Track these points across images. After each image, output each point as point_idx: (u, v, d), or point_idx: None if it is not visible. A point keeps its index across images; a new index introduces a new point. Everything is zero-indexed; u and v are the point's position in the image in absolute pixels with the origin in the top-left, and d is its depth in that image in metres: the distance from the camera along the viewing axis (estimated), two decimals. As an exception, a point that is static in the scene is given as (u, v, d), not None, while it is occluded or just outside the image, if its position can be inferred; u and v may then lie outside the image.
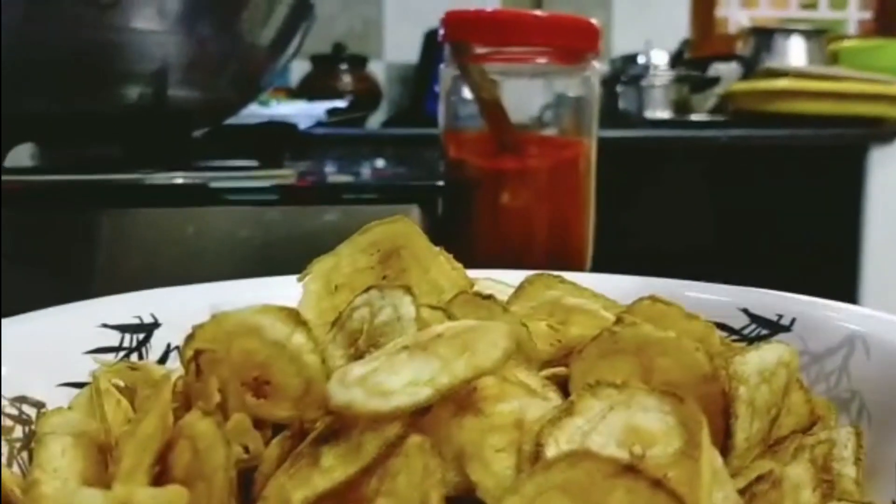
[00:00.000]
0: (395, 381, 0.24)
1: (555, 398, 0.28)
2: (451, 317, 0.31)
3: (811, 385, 0.37)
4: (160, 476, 0.26)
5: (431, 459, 0.23)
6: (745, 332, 0.41)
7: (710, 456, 0.23)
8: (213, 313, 0.44)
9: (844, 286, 1.56)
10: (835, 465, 0.31)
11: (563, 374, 0.30)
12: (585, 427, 0.26)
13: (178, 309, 0.43)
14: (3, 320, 0.37)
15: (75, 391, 0.36)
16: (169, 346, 0.41)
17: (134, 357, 0.39)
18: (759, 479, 0.26)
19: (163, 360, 0.40)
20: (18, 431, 0.32)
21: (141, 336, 0.40)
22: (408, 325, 0.29)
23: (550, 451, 0.25)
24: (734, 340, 0.41)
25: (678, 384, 0.28)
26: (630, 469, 0.21)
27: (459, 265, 0.35)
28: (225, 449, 0.24)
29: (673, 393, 0.26)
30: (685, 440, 0.24)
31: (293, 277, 0.47)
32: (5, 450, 0.30)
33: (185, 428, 0.25)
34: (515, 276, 0.47)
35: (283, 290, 0.46)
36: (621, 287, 0.47)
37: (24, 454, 0.31)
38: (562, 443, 0.25)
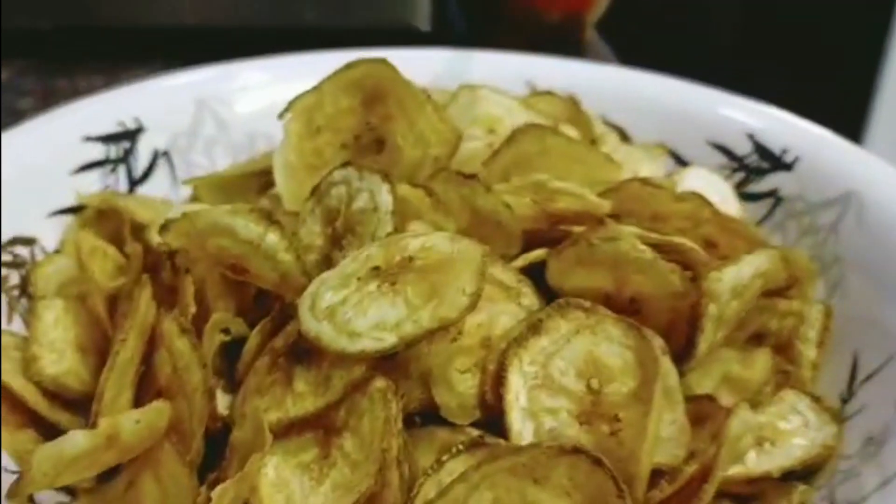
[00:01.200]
0: (363, 322, 0.25)
1: (528, 294, 0.28)
2: (431, 195, 0.30)
3: (799, 236, 0.37)
4: (146, 377, 0.27)
5: (394, 407, 0.24)
6: (747, 161, 0.40)
7: (658, 415, 0.24)
8: (195, 104, 0.43)
9: (863, 86, 1.36)
10: (798, 343, 0.33)
11: (541, 257, 0.30)
12: (550, 349, 0.26)
13: (162, 109, 0.41)
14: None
15: (66, 219, 0.36)
16: (156, 152, 0.40)
17: (121, 169, 0.39)
18: (704, 402, 0.27)
19: (149, 169, 0.40)
20: (15, 277, 0.33)
21: (127, 145, 0.40)
22: (384, 219, 0.28)
23: (513, 374, 0.26)
24: (734, 170, 0.40)
25: (649, 297, 0.28)
26: (573, 450, 0.22)
27: (447, 116, 0.33)
28: (200, 372, 0.26)
29: (636, 326, 0.26)
30: (640, 382, 0.25)
31: (274, 59, 0.45)
32: (5, 306, 0.32)
33: (165, 338, 0.27)
34: (522, 68, 0.45)
35: (261, 74, 0.44)
36: (627, 85, 0.45)
37: (24, 301, 0.33)
38: (525, 364, 0.26)
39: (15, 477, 0.25)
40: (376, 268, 0.26)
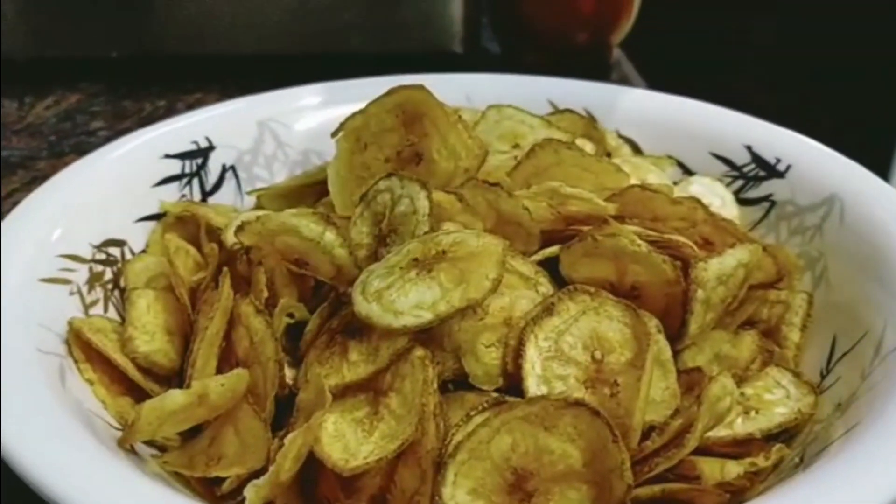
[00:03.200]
0: (405, 302, 0.30)
1: (544, 283, 0.34)
2: (462, 200, 0.35)
3: (790, 235, 0.41)
4: (225, 351, 0.33)
5: (431, 371, 0.29)
6: (746, 170, 0.45)
7: (650, 378, 0.29)
8: (257, 125, 0.48)
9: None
10: (784, 328, 0.37)
11: (555, 253, 0.35)
12: (561, 327, 0.31)
13: (228, 129, 0.47)
14: (80, 160, 0.42)
15: (151, 224, 0.42)
16: (224, 167, 0.46)
17: (195, 182, 0.45)
18: (695, 373, 0.32)
19: (219, 182, 0.46)
20: (108, 273, 0.39)
21: (199, 161, 0.46)
22: (422, 220, 0.33)
23: (530, 348, 0.31)
24: (734, 178, 0.45)
25: (646, 284, 0.33)
26: (576, 403, 0.27)
27: (475, 133, 0.38)
28: (273, 343, 0.31)
29: (632, 307, 0.31)
30: (635, 353, 0.30)
31: (324, 85, 0.50)
32: (101, 296, 0.38)
33: (242, 317, 0.32)
34: (544, 89, 0.50)
35: (313, 98, 0.50)
36: (639, 104, 0.50)
37: (116, 293, 0.39)
38: (540, 339, 0.31)
39: (118, 433, 0.31)
40: (415, 259, 0.31)
